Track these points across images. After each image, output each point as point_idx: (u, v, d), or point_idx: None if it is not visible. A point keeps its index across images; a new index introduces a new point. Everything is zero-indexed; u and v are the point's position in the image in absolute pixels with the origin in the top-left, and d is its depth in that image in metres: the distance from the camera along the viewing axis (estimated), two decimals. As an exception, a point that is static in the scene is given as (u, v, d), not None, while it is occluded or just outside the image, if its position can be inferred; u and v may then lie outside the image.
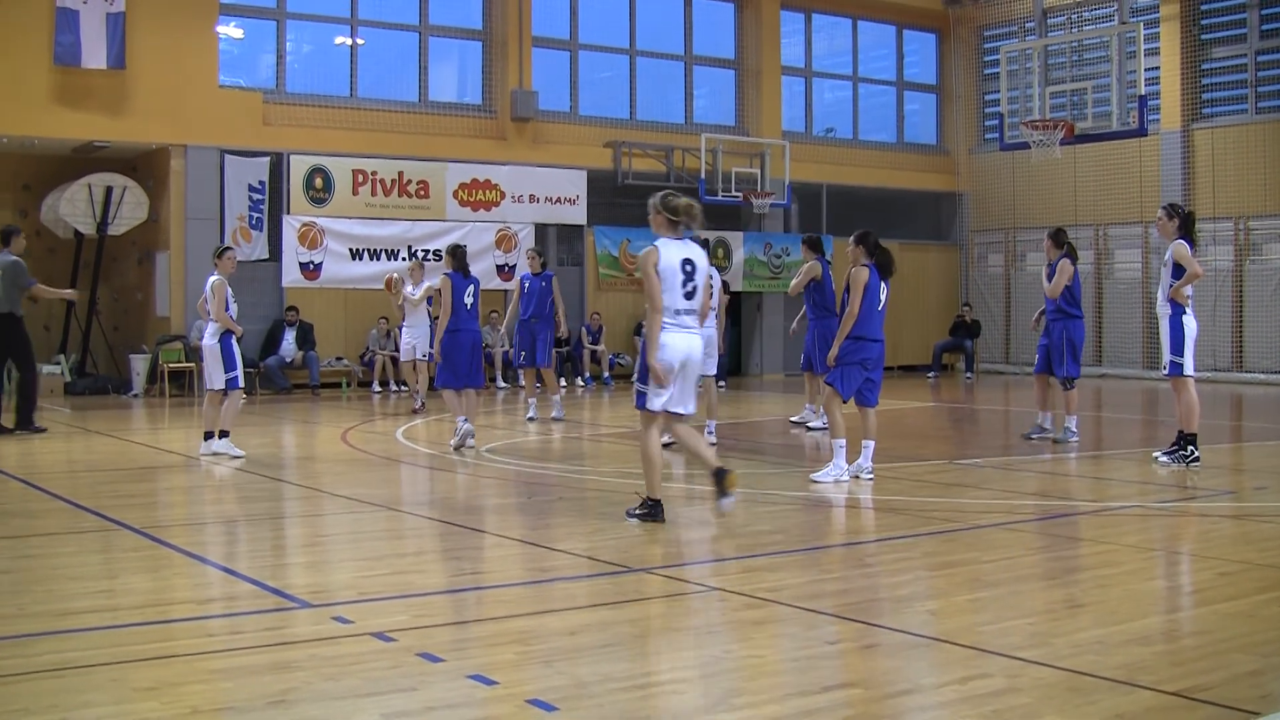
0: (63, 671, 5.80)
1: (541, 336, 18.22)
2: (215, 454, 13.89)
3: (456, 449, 14.68)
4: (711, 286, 15.20)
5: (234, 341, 14.14)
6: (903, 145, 33.46)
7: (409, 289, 20.05)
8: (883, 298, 12.16)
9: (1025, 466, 13.87)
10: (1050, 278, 15.67)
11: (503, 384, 25.64)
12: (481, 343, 15.73)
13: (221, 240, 22.81)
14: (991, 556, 8.63)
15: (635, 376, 9.97)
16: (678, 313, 9.64)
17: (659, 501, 9.85)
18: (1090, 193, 30.01)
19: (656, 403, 9.71)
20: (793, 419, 17.94)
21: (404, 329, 20.45)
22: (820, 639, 6.55)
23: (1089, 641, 6.33)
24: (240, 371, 14.22)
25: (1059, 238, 15.92)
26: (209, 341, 14.10)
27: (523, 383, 19.66)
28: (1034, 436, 15.82)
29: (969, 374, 30.22)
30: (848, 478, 11.85)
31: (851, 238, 12.40)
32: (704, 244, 15.59)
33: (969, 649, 6.21)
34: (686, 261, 9.70)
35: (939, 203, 33.79)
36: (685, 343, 9.66)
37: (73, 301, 21.20)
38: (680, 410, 9.80)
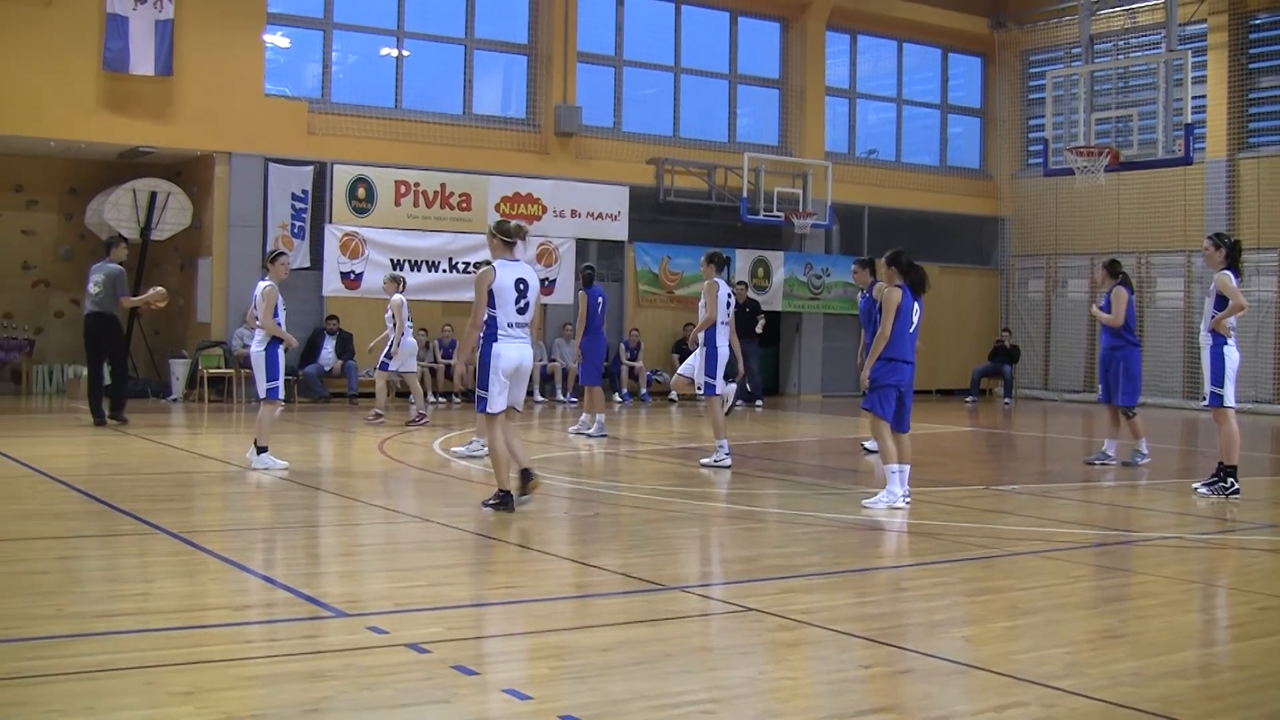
0: (97, 674, 5.83)
1: None
2: (266, 469, 13.64)
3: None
4: (732, 304, 15.22)
5: (280, 351, 13.92)
6: (945, 168, 33.40)
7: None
8: (915, 319, 12.03)
9: (1063, 494, 13.81)
10: (1105, 307, 15.70)
11: (540, 398, 25.68)
12: None
13: (264, 248, 22.91)
14: (1028, 584, 8.58)
15: (476, 384, 11.01)
16: (510, 325, 10.81)
17: (509, 493, 10.91)
18: (1133, 220, 29.85)
19: (495, 405, 10.82)
20: (866, 443, 17.32)
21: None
22: (854, 662, 6.53)
23: (1126, 673, 6.28)
24: (281, 383, 13.98)
25: (1113, 268, 15.94)
26: (255, 349, 13.90)
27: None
28: (1096, 462, 15.81)
29: (1007, 399, 30.09)
30: (902, 504, 11.73)
31: (883, 258, 12.34)
32: (726, 261, 15.62)
33: (1004, 676, 6.17)
34: (520, 280, 10.88)
35: (980, 227, 33.68)
36: (517, 352, 10.83)
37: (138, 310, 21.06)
38: (515, 408, 11.10)
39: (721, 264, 15.31)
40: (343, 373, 24.06)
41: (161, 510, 10.90)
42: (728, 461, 14.68)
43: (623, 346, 26.98)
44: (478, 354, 10.91)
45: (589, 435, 18.11)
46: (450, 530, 10.43)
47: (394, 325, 19.80)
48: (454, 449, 15.82)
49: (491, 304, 10.74)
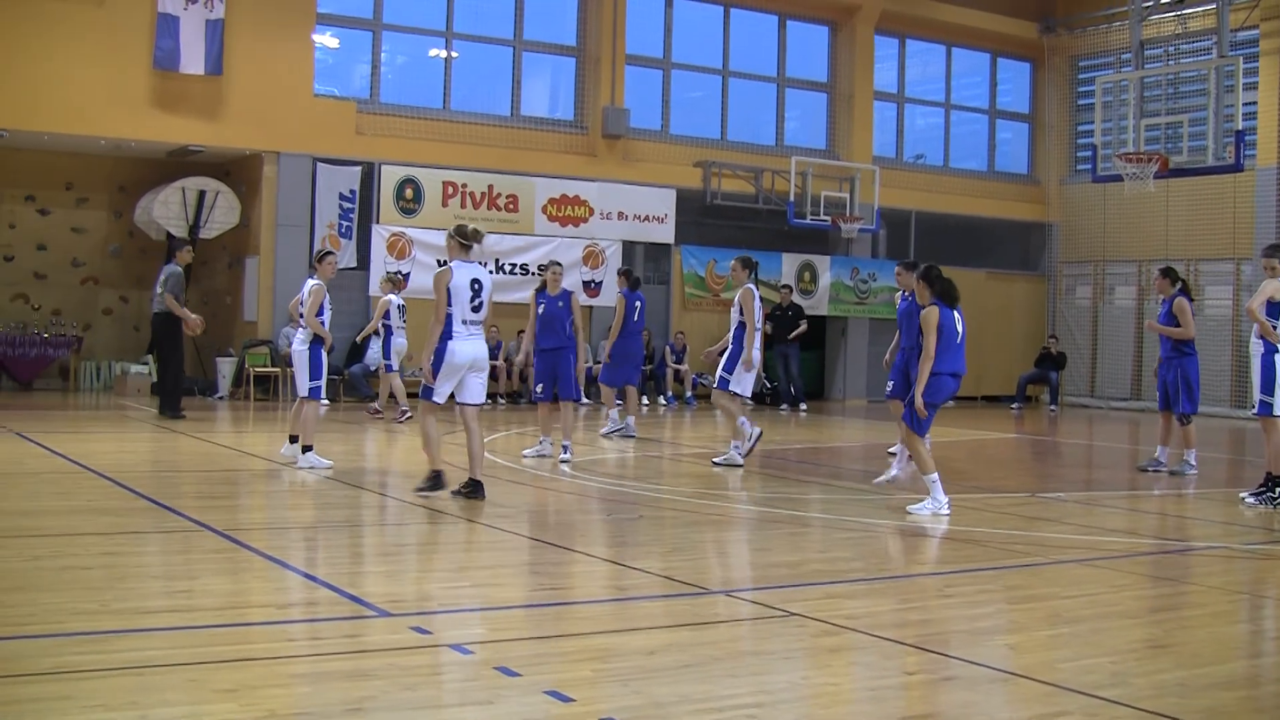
0: (142, 670, 5.87)
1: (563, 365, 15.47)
2: (311, 467, 13.69)
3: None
4: (744, 308, 15.21)
5: (323, 350, 13.95)
6: (993, 174, 33.25)
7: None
8: (960, 329, 11.82)
9: (1108, 502, 13.73)
10: (1165, 315, 15.60)
11: (586, 400, 25.68)
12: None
13: (311, 248, 23.01)
14: (1073, 592, 8.54)
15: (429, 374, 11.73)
16: (465, 323, 11.54)
17: (440, 472, 11.86)
18: (1182, 227, 29.63)
19: (439, 396, 11.63)
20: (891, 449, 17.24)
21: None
22: (898, 669, 6.50)
23: (1171, 683, 6.24)
24: (324, 381, 14.05)
25: (1171, 275, 15.81)
26: (298, 347, 13.92)
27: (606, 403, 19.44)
28: (1149, 469, 15.76)
29: (1053, 406, 29.92)
30: (947, 511, 11.64)
31: (915, 275, 12.25)
32: (756, 265, 15.59)
33: (1048, 685, 6.13)
34: (475, 281, 11.62)
35: (1028, 233, 33.49)
36: (471, 348, 11.60)
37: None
38: (473, 401, 11.81)
39: (754, 268, 15.34)
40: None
41: (207, 507, 10.97)
42: (748, 451, 14.78)
43: (668, 349, 26.96)
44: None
45: (622, 433, 18.18)
46: (494, 531, 10.44)
47: (398, 324, 20.55)
48: (523, 451, 15.70)
49: (449, 303, 11.44)
